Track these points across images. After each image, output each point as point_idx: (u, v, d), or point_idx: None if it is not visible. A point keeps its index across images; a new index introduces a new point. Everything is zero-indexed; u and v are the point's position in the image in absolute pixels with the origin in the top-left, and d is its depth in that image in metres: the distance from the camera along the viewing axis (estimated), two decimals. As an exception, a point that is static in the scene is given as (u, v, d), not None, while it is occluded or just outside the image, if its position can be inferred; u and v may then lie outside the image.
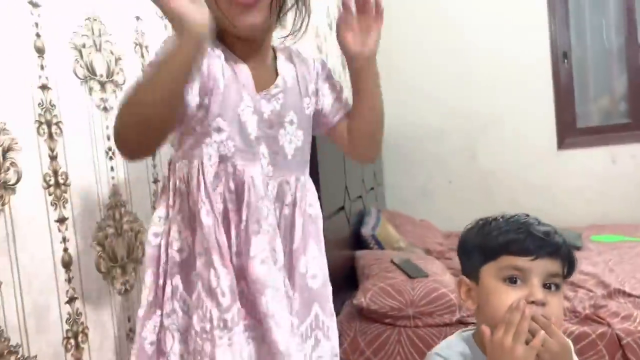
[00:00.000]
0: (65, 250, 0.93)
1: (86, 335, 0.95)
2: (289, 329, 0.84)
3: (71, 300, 0.93)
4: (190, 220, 0.85)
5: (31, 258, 0.85)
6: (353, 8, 0.87)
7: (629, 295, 1.73)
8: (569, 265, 0.80)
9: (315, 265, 0.91)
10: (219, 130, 0.83)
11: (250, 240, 0.83)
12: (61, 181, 0.93)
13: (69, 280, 0.93)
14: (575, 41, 3.02)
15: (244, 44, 0.87)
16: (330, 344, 0.92)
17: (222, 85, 0.83)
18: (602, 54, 3.03)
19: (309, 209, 0.92)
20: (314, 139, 0.99)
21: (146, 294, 0.87)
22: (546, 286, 0.78)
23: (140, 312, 0.86)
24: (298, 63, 0.94)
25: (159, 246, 0.87)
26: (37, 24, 0.91)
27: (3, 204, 0.81)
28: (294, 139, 0.91)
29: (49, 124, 0.92)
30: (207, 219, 0.82)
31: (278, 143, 0.88)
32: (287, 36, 0.95)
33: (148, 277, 0.87)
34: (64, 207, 0.94)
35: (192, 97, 0.80)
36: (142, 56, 1.20)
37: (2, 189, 0.81)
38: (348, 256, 2.10)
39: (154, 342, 0.85)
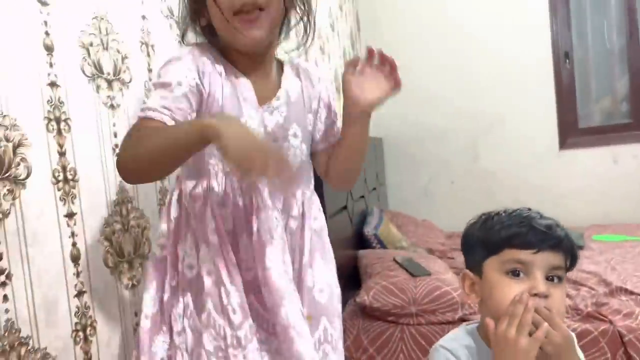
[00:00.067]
0: (74, 245, 0.94)
1: (94, 328, 0.97)
2: (310, 339, 0.85)
3: (80, 294, 0.94)
4: (197, 238, 0.85)
5: (41, 252, 0.86)
6: (363, 57, 0.87)
7: (631, 293, 1.74)
8: (572, 257, 0.81)
9: (321, 279, 0.92)
10: None
11: (264, 251, 0.83)
12: (70, 177, 0.95)
13: (78, 275, 0.94)
14: (577, 42, 3.03)
15: (247, 58, 0.88)
16: (339, 357, 0.93)
17: (220, 103, 0.85)
18: (603, 54, 3.04)
19: (314, 223, 0.93)
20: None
21: (150, 306, 0.87)
22: (549, 279, 0.79)
23: (145, 323, 0.86)
24: (304, 80, 0.96)
25: (165, 259, 0.87)
26: (46, 22, 0.93)
27: (14, 199, 0.82)
28: (299, 153, 0.92)
29: (57, 121, 0.94)
30: (213, 237, 0.83)
31: None
32: (295, 50, 0.96)
33: (152, 289, 0.87)
34: (73, 202, 0.95)
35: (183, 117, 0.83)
36: (148, 55, 1.21)
37: (13, 184, 0.83)
38: (351, 255, 2.11)
39: None
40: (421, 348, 1.66)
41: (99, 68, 1.05)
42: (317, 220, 0.94)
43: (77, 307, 0.93)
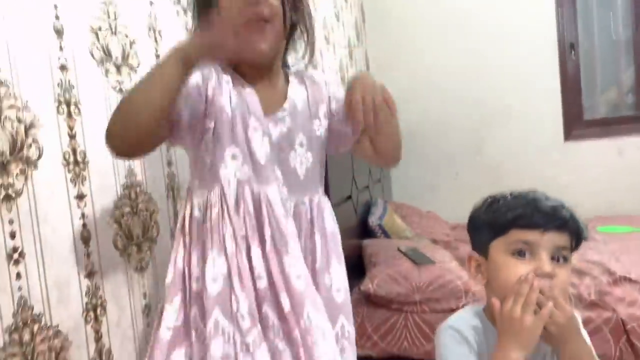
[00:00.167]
0: (84, 226, 0.95)
1: (104, 308, 0.98)
2: (334, 340, 0.87)
3: (90, 275, 0.95)
4: (204, 248, 0.85)
5: (53, 232, 0.88)
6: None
7: (635, 282, 1.74)
8: (577, 238, 0.82)
9: (338, 280, 0.95)
10: (233, 157, 0.86)
11: (281, 257, 0.85)
12: (80, 159, 0.96)
13: (88, 255, 0.95)
14: (583, 33, 3.02)
15: (253, 69, 0.90)
16: (353, 351, 0.96)
17: (229, 112, 0.86)
18: (609, 45, 3.03)
19: (327, 227, 0.95)
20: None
21: (173, 319, 0.84)
22: (554, 259, 0.80)
23: (165, 334, 0.83)
24: (310, 85, 0.97)
25: (183, 272, 0.87)
26: (56, 6, 0.94)
27: (26, 179, 0.84)
28: (304, 160, 0.93)
29: (67, 104, 0.95)
30: (230, 243, 0.83)
31: (289, 165, 0.91)
32: (300, 59, 0.97)
33: (176, 301, 0.85)
34: (83, 184, 0.96)
35: (185, 112, 0.83)
36: (156, 40, 1.22)
37: (25, 164, 0.84)
38: (355, 245, 2.12)
39: None
40: (425, 335, 1.67)
41: (107, 52, 1.06)
42: (329, 224, 0.96)
43: (88, 287, 0.95)
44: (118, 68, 1.09)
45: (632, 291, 1.68)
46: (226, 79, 0.88)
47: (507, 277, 0.80)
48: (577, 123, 3.00)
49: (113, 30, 1.08)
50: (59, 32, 0.94)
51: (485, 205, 0.88)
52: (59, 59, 0.94)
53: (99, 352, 0.97)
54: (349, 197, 2.09)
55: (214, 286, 0.82)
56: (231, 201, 0.85)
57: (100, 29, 1.04)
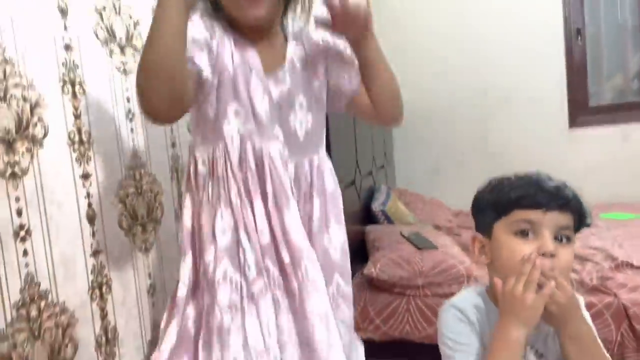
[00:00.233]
0: (90, 205, 0.96)
1: (109, 287, 0.99)
2: (327, 295, 0.88)
3: (96, 253, 0.96)
4: (213, 202, 0.86)
5: (58, 210, 0.88)
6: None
7: (637, 268, 1.75)
8: (580, 218, 0.82)
9: (336, 239, 0.95)
10: (236, 113, 0.86)
11: (283, 214, 0.86)
12: (84, 139, 0.96)
13: (94, 234, 0.96)
14: (589, 18, 2.98)
15: (252, 31, 0.90)
16: (350, 311, 0.97)
17: (231, 70, 0.86)
18: (616, 31, 3.00)
19: (327, 187, 0.95)
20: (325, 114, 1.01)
21: (187, 274, 0.87)
22: (557, 238, 0.80)
23: (182, 291, 0.86)
24: (307, 44, 0.96)
25: (192, 230, 0.88)
26: (60, -15, 0.94)
27: (32, 157, 0.84)
28: (304, 122, 0.93)
29: (72, 83, 0.95)
30: (236, 198, 0.85)
31: (290, 125, 0.91)
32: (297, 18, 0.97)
33: (188, 259, 0.87)
34: (88, 163, 0.97)
35: (204, 64, 0.82)
36: (160, 22, 1.21)
37: (31, 143, 0.84)
38: (358, 230, 2.13)
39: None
40: (427, 319, 1.68)
41: (111, 33, 1.06)
42: (329, 185, 0.96)
43: (94, 266, 0.96)
44: (122, 49, 1.09)
45: (634, 276, 1.68)
46: (228, 37, 0.88)
47: (510, 256, 0.80)
48: (582, 109, 2.98)
49: (117, 10, 1.08)
50: (63, 12, 0.94)
51: (490, 187, 0.88)
52: (63, 38, 0.94)
53: (105, 329, 0.98)
54: (353, 183, 2.09)
55: (222, 238, 0.84)
56: (235, 157, 0.86)
57: (104, 8, 1.04)
